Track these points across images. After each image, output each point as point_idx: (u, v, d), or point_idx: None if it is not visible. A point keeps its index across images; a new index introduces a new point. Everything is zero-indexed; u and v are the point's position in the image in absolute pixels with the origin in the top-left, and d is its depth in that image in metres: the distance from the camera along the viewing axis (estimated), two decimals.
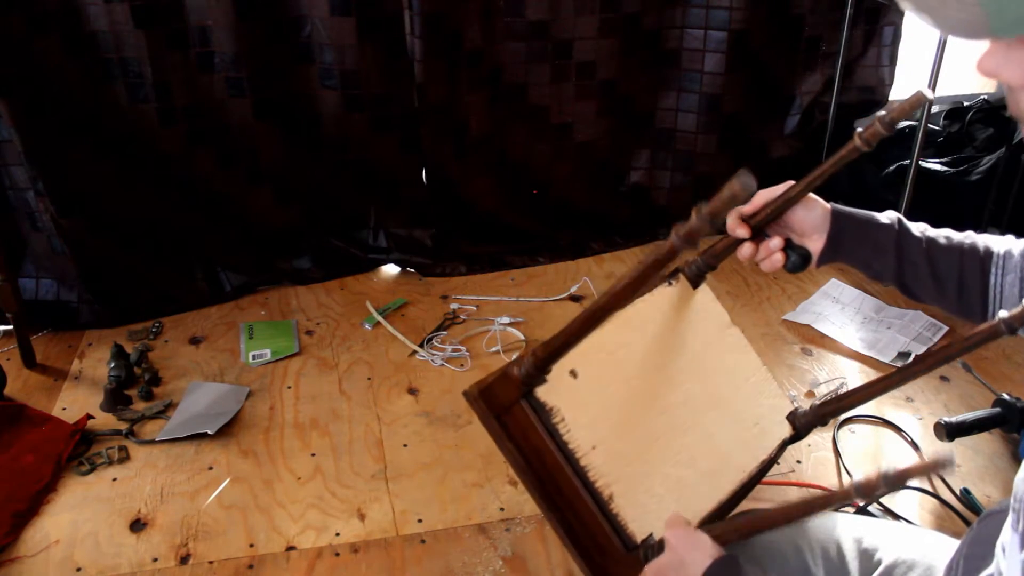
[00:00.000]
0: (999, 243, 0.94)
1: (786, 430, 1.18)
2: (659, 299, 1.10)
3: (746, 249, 1.02)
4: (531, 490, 0.99)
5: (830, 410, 1.15)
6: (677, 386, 1.09)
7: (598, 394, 1.01)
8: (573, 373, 0.99)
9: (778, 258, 1.00)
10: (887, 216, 0.98)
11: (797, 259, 1.01)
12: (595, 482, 0.97)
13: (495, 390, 0.97)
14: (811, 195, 0.98)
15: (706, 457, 1.09)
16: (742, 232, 1.00)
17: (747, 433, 1.14)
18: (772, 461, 1.17)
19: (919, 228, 0.96)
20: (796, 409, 1.18)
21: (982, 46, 0.57)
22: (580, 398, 0.99)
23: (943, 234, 0.96)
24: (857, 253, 0.98)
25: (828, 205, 0.99)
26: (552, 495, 0.99)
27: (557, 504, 0.99)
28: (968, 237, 0.96)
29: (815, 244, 0.99)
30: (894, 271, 0.95)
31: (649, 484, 1.00)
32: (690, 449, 1.07)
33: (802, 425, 1.17)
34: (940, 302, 0.96)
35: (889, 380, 1.07)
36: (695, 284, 1.13)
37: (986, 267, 0.92)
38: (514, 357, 2.07)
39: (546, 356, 0.95)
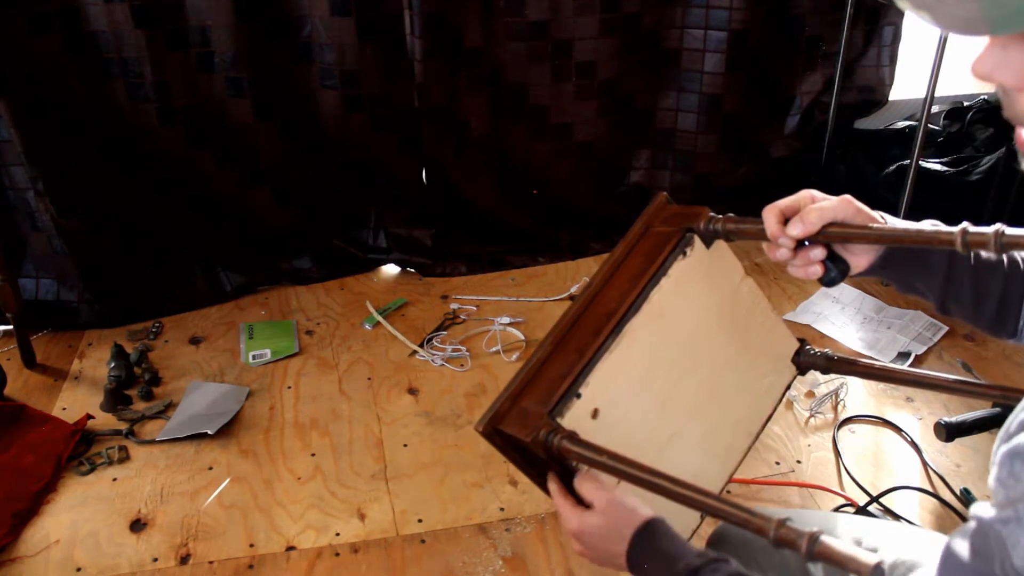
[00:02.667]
0: None
1: (791, 373, 1.09)
2: (677, 280, 0.96)
3: (783, 253, 0.90)
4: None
5: (837, 365, 1.05)
6: (699, 365, 1.00)
7: (623, 422, 0.93)
8: (595, 414, 0.90)
9: (816, 270, 0.89)
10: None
11: (837, 275, 0.90)
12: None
13: (511, 432, 0.91)
14: (871, 213, 0.88)
15: (723, 433, 1.04)
16: (782, 254, 0.89)
17: (760, 388, 1.06)
18: (775, 410, 1.10)
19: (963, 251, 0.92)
20: (804, 347, 1.09)
21: (979, 48, 0.57)
22: (605, 434, 0.90)
23: (983, 258, 0.91)
24: (903, 274, 0.92)
25: (886, 223, 0.89)
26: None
27: None
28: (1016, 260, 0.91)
29: (859, 260, 0.91)
30: (939, 292, 0.91)
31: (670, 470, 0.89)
32: (709, 427, 1.01)
33: (804, 363, 1.08)
34: (974, 319, 0.92)
35: (898, 373, 1.04)
36: (708, 244, 0.99)
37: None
38: (514, 358, 2.07)
39: (562, 399, 0.88)
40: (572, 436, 0.86)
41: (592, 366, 0.90)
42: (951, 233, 0.78)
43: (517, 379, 0.93)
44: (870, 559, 0.65)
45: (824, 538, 0.68)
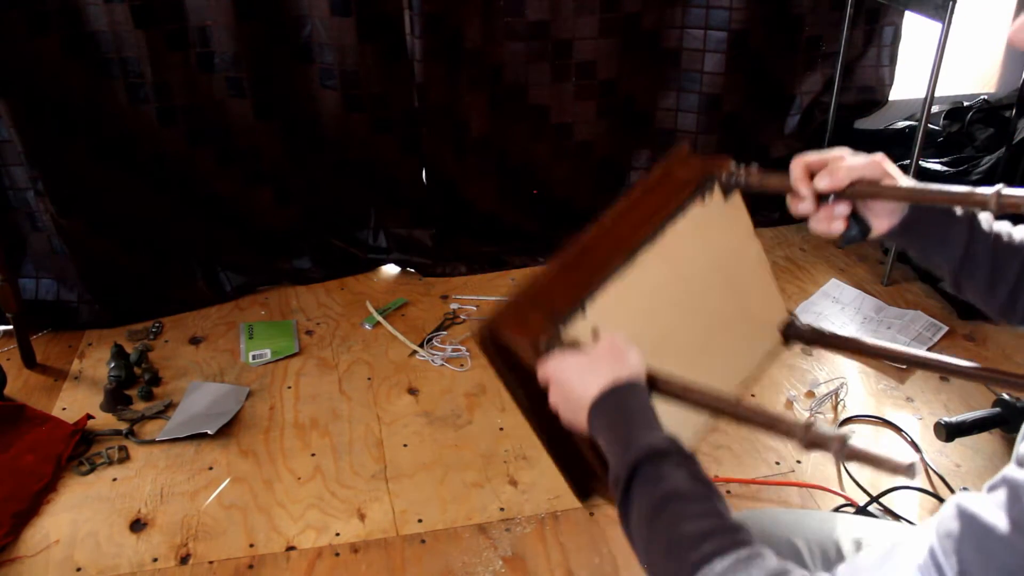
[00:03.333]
0: None
1: (776, 342, 1.09)
2: (693, 223, 0.96)
3: (806, 206, 0.89)
4: (536, 426, 0.94)
5: (822, 338, 1.05)
6: (697, 313, 1.00)
7: None
8: (594, 335, 0.88)
9: (839, 225, 0.89)
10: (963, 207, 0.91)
11: (858, 233, 0.90)
12: None
13: (510, 347, 0.88)
14: (897, 177, 0.88)
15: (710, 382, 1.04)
16: (805, 207, 0.89)
17: (741, 350, 1.06)
18: (751, 377, 1.09)
19: (987, 222, 0.90)
20: (792, 318, 1.09)
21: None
22: None
23: (1008, 230, 0.90)
24: (922, 243, 0.91)
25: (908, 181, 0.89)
26: (558, 437, 0.92)
27: (561, 442, 0.93)
28: None
29: (881, 223, 0.90)
30: (954, 267, 0.90)
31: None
32: (693, 376, 1.01)
33: (790, 334, 1.08)
34: (985, 300, 0.91)
35: (885, 351, 1.02)
36: (727, 193, 0.99)
37: None
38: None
39: (567, 311, 0.85)
40: (574, 342, 0.83)
41: (600, 287, 0.88)
42: (985, 195, 0.78)
43: (518, 292, 0.89)
44: (904, 458, 0.63)
45: (854, 440, 0.67)
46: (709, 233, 0.98)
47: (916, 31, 2.56)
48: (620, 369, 0.79)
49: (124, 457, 1.76)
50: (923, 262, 0.94)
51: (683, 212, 0.95)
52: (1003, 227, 0.92)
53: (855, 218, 0.90)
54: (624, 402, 0.77)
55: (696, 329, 1.00)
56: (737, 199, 0.99)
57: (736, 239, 1.03)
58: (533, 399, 0.91)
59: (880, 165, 0.87)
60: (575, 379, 0.80)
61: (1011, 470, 0.59)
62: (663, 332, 0.96)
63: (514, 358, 0.88)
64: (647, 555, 0.70)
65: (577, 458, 0.93)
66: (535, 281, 0.90)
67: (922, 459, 1.74)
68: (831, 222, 0.89)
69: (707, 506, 0.68)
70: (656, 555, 0.68)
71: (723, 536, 0.65)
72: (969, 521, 0.58)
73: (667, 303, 0.96)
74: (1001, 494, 0.58)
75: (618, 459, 0.73)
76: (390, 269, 2.49)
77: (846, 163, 0.87)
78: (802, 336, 1.07)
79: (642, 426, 0.75)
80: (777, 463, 1.72)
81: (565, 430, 0.88)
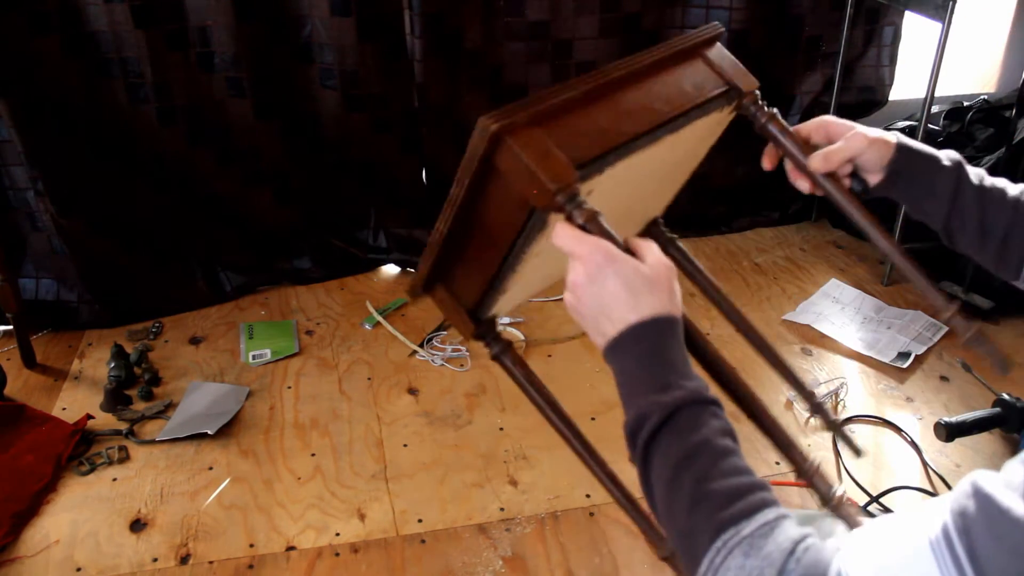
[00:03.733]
0: None
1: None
2: (704, 125, 0.94)
3: (803, 184, 1.00)
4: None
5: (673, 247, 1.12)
6: (636, 198, 1.01)
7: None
8: (589, 193, 0.80)
9: (845, 183, 0.97)
10: (948, 158, 0.95)
11: (858, 186, 0.98)
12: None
13: (510, 170, 0.74)
14: (884, 137, 0.96)
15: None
16: (803, 186, 0.99)
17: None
18: None
19: (977, 175, 0.94)
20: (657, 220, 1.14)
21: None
22: None
23: (999, 184, 0.94)
24: (911, 193, 0.96)
25: (894, 141, 0.96)
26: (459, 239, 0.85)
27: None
28: (1021, 191, 0.93)
29: (872, 177, 0.98)
30: (944, 217, 0.94)
31: None
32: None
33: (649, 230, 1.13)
34: (978, 253, 0.94)
35: None
36: (735, 112, 1.01)
37: None
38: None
39: (590, 161, 0.74)
40: (593, 216, 0.72)
41: (623, 151, 0.80)
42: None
43: (539, 102, 0.75)
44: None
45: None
46: (701, 136, 1.01)
47: (916, 31, 2.56)
48: (672, 301, 0.73)
49: (124, 457, 1.76)
50: (917, 214, 0.98)
51: (704, 112, 0.92)
52: (996, 181, 0.95)
53: (855, 176, 0.99)
54: (665, 340, 0.71)
55: (625, 211, 1.01)
56: (727, 115, 1.01)
57: (703, 146, 1.07)
58: (473, 207, 0.81)
59: (863, 137, 0.96)
60: (624, 291, 0.70)
61: None
62: (613, 208, 0.86)
63: (504, 178, 0.75)
64: (668, 504, 0.67)
65: (449, 263, 0.88)
66: (559, 97, 0.76)
67: (922, 459, 1.74)
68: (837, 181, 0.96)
69: (737, 463, 0.66)
70: (679, 505, 0.65)
71: (751, 496, 0.64)
72: (984, 501, 0.56)
73: (636, 184, 0.95)
74: (1018, 476, 0.57)
75: (650, 397, 0.69)
76: (390, 269, 2.49)
77: (836, 148, 0.95)
78: (656, 236, 1.12)
79: (682, 368, 0.70)
80: (777, 463, 1.72)
81: (471, 237, 0.82)
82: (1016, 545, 0.54)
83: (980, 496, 0.57)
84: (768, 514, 0.63)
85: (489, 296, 0.89)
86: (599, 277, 0.71)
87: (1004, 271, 0.93)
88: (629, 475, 0.77)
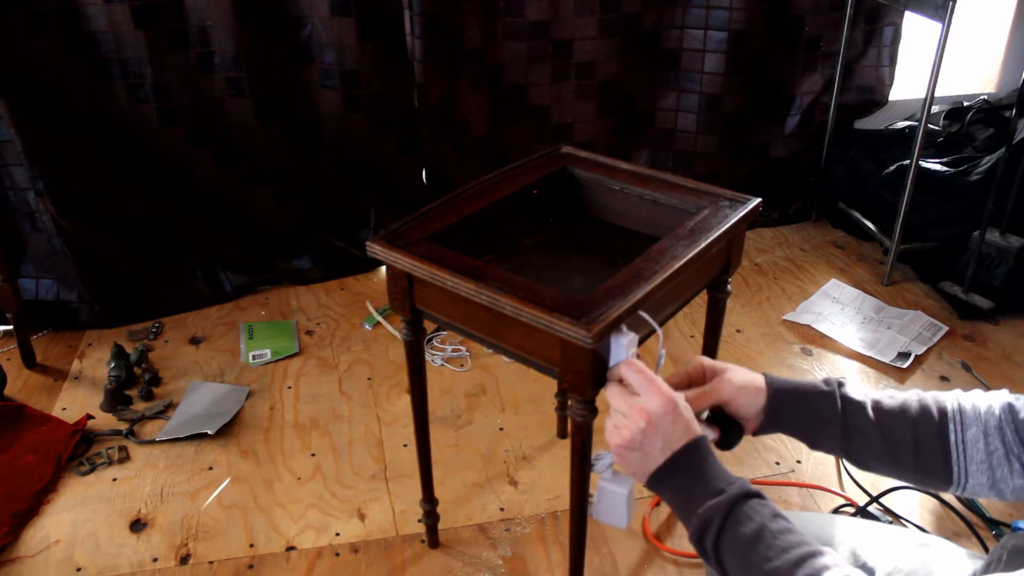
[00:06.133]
0: (948, 398, 0.88)
1: None
2: None
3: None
4: None
5: None
6: None
7: None
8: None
9: (715, 436, 0.94)
10: (825, 383, 0.92)
11: (735, 439, 0.95)
12: None
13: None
14: (754, 382, 0.92)
15: None
16: None
17: None
18: None
19: (861, 392, 0.91)
20: None
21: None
22: None
23: (887, 395, 0.90)
24: (801, 429, 0.92)
25: (764, 386, 0.92)
26: None
27: None
28: (915, 396, 0.90)
29: (751, 423, 0.94)
30: (842, 441, 0.90)
31: None
32: None
33: None
34: (894, 469, 0.90)
35: None
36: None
37: (943, 425, 0.86)
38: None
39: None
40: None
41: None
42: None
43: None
44: None
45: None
46: None
47: (916, 31, 2.56)
48: (689, 424, 0.84)
49: (124, 457, 1.77)
50: (816, 447, 0.94)
51: None
52: (884, 393, 0.91)
53: (729, 425, 0.94)
54: (704, 456, 0.83)
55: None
56: None
57: None
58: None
59: (729, 384, 0.92)
60: (661, 440, 0.83)
61: None
62: None
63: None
64: None
65: None
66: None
67: None
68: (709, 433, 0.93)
69: (793, 538, 0.75)
70: None
71: (814, 561, 0.72)
72: None
73: None
74: None
75: (708, 504, 0.79)
76: None
77: (706, 391, 0.92)
78: None
79: (724, 475, 0.82)
80: (777, 463, 1.72)
81: None
82: None
83: None
84: (835, 573, 0.71)
85: None
86: (644, 442, 0.84)
87: (933, 480, 0.88)
88: None
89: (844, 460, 0.93)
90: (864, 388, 0.92)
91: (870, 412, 0.89)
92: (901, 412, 0.88)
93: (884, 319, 2.19)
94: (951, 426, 0.86)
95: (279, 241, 2.41)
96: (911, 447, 0.87)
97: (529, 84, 2.37)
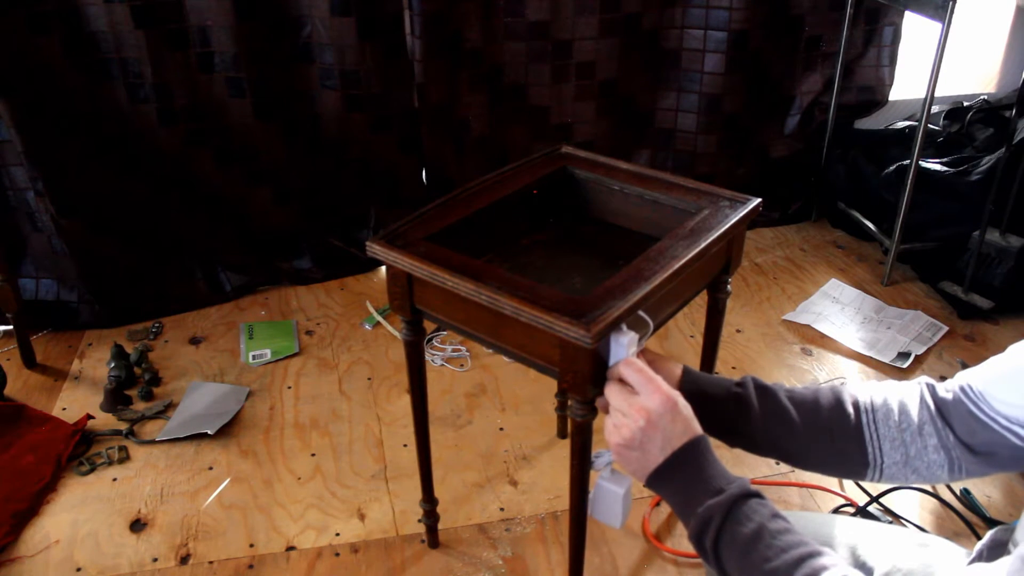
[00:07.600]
0: (861, 385, 0.90)
1: None
2: None
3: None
4: None
5: None
6: None
7: None
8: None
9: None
10: (737, 384, 0.94)
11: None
12: None
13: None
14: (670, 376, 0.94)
15: None
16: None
17: None
18: None
19: (771, 384, 0.94)
20: None
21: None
22: None
23: (798, 389, 0.92)
24: (717, 416, 0.93)
25: (678, 375, 0.95)
26: None
27: None
28: (827, 386, 0.91)
29: None
30: (757, 429, 0.92)
31: None
32: None
33: None
34: (810, 455, 0.92)
35: None
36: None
37: (856, 404, 0.88)
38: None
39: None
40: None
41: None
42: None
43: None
44: None
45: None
46: None
47: (916, 31, 2.56)
48: (690, 422, 0.84)
49: (124, 457, 1.77)
50: (733, 443, 0.96)
51: None
52: (791, 387, 0.93)
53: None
54: (703, 455, 0.83)
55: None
56: None
57: None
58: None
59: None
60: (661, 438, 0.83)
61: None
62: None
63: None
64: None
65: None
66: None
67: None
68: None
69: (792, 538, 0.76)
70: None
71: (812, 561, 0.73)
72: None
73: None
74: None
75: (707, 503, 0.79)
76: None
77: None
78: None
79: (724, 474, 0.82)
80: (777, 463, 1.72)
81: None
82: None
83: None
84: (834, 573, 0.71)
85: None
86: (643, 441, 0.84)
87: (850, 464, 0.89)
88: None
89: (756, 453, 0.95)
90: (776, 384, 0.95)
91: (783, 399, 0.92)
92: (814, 397, 0.91)
93: (884, 319, 2.19)
94: (863, 404, 0.89)
95: (279, 241, 2.41)
96: (827, 430, 0.89)
97: (529, 84, 2.37)
